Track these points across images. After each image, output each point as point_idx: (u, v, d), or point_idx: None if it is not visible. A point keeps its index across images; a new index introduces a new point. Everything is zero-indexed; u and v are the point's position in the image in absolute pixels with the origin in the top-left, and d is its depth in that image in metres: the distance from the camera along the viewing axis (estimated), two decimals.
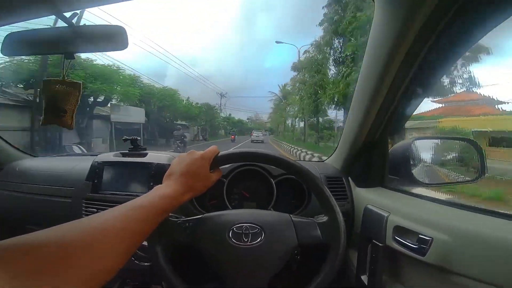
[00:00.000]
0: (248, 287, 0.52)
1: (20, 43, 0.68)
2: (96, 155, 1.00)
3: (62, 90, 0.63)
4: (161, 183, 0.52)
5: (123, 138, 1.00)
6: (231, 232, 0.53)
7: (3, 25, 0.69)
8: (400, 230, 0.63)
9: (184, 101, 19.07)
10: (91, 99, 9.85)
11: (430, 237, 0.55)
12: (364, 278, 0.70)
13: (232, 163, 0.84)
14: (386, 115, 0.72)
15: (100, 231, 0.35)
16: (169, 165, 0.91)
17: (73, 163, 1.06)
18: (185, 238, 0.54)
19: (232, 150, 0.60)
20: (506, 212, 0.52)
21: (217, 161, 0.57)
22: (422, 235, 0.56)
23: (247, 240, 0.52)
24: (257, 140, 27.10)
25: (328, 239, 0.54)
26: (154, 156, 0.95)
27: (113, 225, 0.37)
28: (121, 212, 0.40)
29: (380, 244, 0.65)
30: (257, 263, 0.52)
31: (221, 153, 0.58)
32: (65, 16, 0.63)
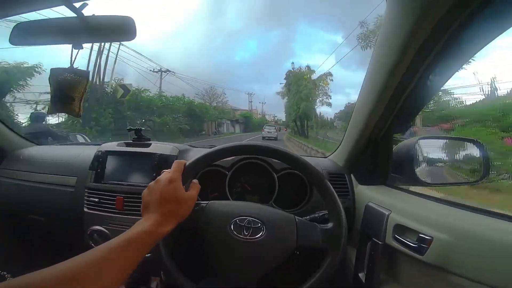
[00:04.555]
0: (237, 280, 0.52)
1: (28, 33, 0.68)
2: (100, 145, 1.00)
3: (70, 78, 0.64)
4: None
5: (128, 128, 1.01)
6: (233, 223, 0.54)
7: (13, 15, 0.69)
8: (400, 229, 0.63)
9: None
10: None
11: (431, 237, 0.54)
12: (362, 276, 0.70)
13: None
14: (393, 112, 0.71)
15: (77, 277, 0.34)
16: (173, 156, 0.93)
17: (77, 152, 1.06)
18: (190, 222, 0.53)
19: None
20: (509, 214, 0.51)
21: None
22: (422, 234, 0.56)
23: (248, 234, 0.53)
24: (269, 137, 20.20)
25: (327, 245, 0.54)
26: (157, 147, 0.95)
27: (91, 271, 0.36)
28: (100, 255, 0.39)
29: (380, 242, 0.65)
30: (252, 258, 0.53)
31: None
32: (74, 6, 0.64)
